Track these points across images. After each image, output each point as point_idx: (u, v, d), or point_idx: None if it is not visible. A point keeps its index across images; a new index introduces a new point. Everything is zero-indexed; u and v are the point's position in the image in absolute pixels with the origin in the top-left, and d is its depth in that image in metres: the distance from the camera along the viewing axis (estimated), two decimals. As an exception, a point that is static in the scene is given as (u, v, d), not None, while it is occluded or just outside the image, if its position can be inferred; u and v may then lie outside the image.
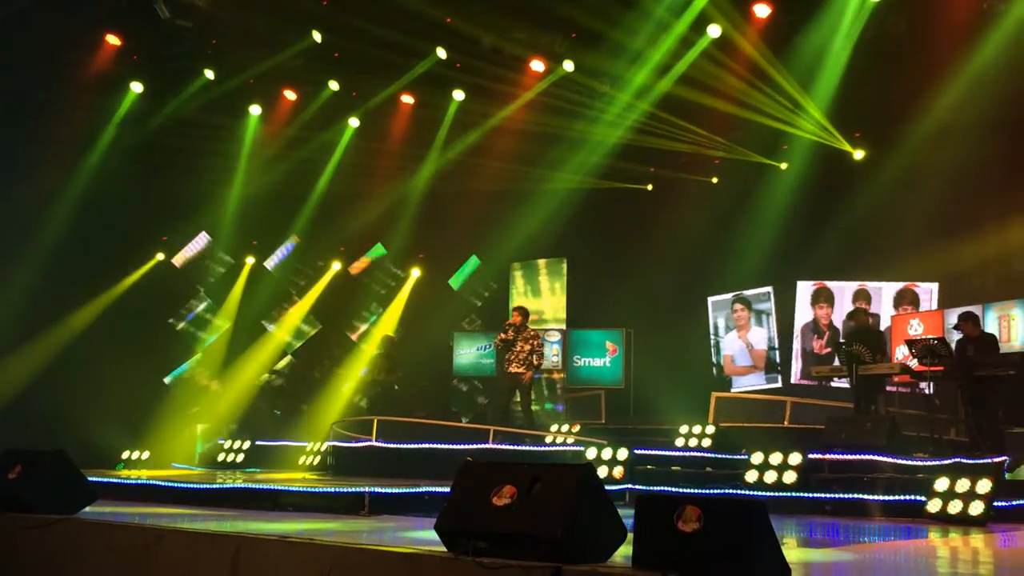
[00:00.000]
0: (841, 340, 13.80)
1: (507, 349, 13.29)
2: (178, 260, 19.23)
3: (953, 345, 11.15)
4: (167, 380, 18.73)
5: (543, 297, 19.03)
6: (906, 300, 15.68)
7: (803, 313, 16.72)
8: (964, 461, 9.16)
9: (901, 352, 13.31)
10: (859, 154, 15.20)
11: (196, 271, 19.52)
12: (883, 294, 16.00)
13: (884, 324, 15.83)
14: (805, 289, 16.70)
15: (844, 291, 16.46)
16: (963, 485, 8.37)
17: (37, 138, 15.35)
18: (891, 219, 14.81)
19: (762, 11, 13.11)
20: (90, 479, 7.50)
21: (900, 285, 15.78)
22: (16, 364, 15.65)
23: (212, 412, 18.72)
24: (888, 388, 12.35)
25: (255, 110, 16.51)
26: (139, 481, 10.62)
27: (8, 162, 15.47)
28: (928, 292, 15.50)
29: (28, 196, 15.66)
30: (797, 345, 16.80)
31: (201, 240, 19.33)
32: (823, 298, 16.60)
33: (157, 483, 10.18)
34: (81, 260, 16.44)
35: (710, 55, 13.82)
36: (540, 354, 13.46)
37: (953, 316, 13.70)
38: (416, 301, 19.46)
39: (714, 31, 13.43)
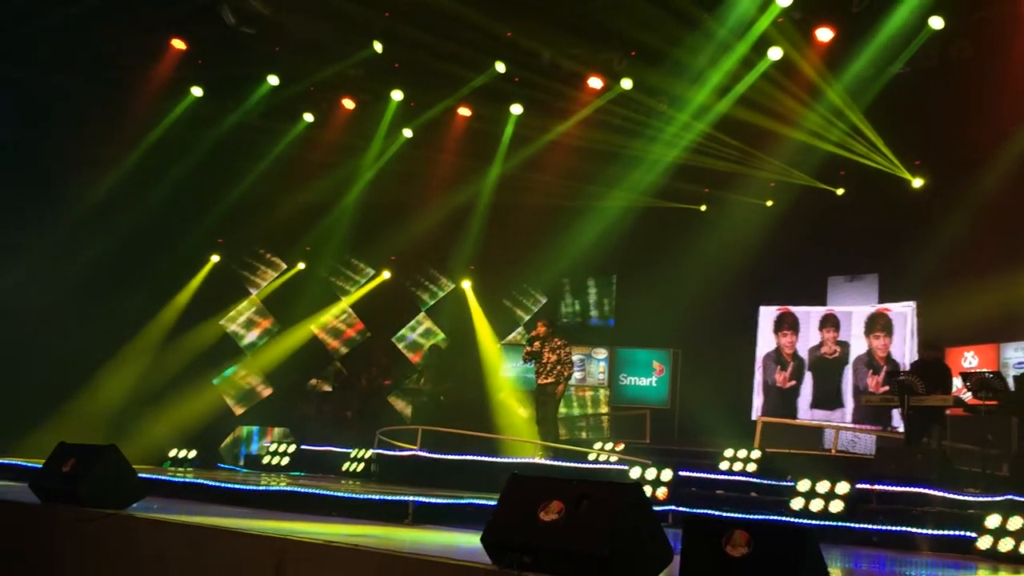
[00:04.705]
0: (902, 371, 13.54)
1: (535, 361, 13.23)
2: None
3: (1010, 379, 10.95)
4: (216, 381, 18.94)
5: (591, 313, 19.01)
6: (879, 326, 15.29)
7: (765, 341, 16.25)
8: (1017, 498, 8.97)
9: (955, 384, 13.06)
10: (918, 182, 15.03)
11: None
12: (853, 320, 15.58)
13: (856, 352, 15.37)
14: (768, 315, 16.25)
15: (810, 316, 16.00)
16: (1015, 523, 8.18)
17: (96, 139, 15.64)
18: (948, 248, 14.57)
19: (824, 35, 13.02)
20: (139, 475, 7.59)
21: (871, 309, 15.38)
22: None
23: (258, 415, 18.93)
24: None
25: (308, 117, 16.71)
26: (186, 479, 10.74)
27: (67, 162, 15.78)
28: (903, 316, 15.06)
29: (86, 196, 15.95)
30: (759, 377, 16.36)
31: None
32: (787, 325, 16.17)
33: (203, 482, 10.27)
34: (138, 261, 16.71)
35: (770, 77, 13.75)
36: (569, 363, 13.33)
37: (1009, 349, 13.48)
38: (467, 313, 19.54)
39: (775, 53, 13.37)
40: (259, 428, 18.77)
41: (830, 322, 15.76)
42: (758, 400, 16.20)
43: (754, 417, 15.88)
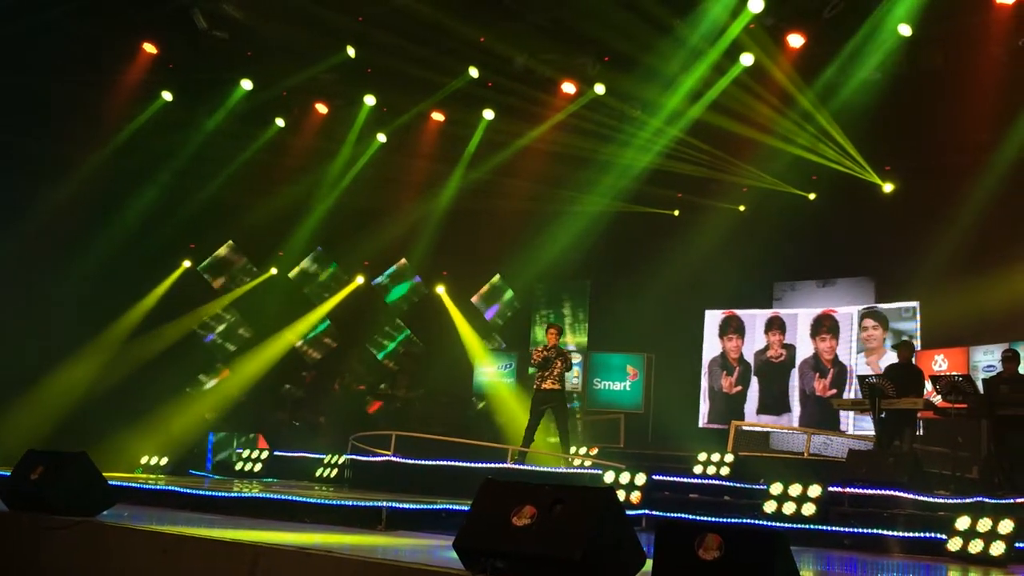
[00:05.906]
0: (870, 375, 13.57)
1: (545, 367, 12.99)
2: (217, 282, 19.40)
3: (980, 382, 11.05)
4: (189, 389, 18.81)
5: (565, 318, 19.01)
6: (824, 328, 15.30)
7: (711, 346, 16.13)
8: (986, 501, 9.06)
9: (926, 387, 13.17)
10: (888, 187, 15.16)
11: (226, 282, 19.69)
12: (799, 321, 15.53)
13: (802, 355, 15.31)
14: (713, 319, 16.14)
15: (755, 319, 15.92)
16: (984, 525, 8.25)
17: (66, 141, 15.50)
18: (918, 253, 14.70)
19: (795, 41, 13.10)
20: (109, 483, 7.52)
21: (817, 311, 15.36)
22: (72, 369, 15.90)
23: (230, 420, 18.80)
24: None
25: (280, 122, 16.64)
26: (157, 486, 10.64)
27: (36, 164, 15.63)
28: (848, 318, 15.04)
29: (55, 199, 15.81)
30: (704, 383, 16.25)
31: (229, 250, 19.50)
32: (732, 328, 16.11)
33: (175, 489, 10.18)
34: (109, 265, 16.56)
35: (742, 83, 13.83)
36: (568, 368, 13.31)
37: (979, 353, 13.60)
38: (440, 318, 19.51)
39: (747, 59, 13.44)
40: (231, 434, 18.63)
41: (776, 325, 15.69)
42: (704, 407, 16.10)
43: (701, 425, 15.90)
